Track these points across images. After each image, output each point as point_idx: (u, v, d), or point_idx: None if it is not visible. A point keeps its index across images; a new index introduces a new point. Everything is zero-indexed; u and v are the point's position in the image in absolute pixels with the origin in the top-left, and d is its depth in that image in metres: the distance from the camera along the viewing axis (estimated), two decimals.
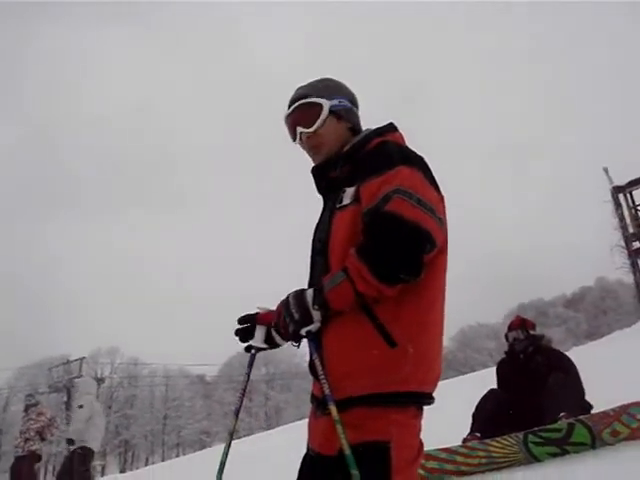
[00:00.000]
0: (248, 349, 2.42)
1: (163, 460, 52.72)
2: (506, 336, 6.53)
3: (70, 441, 9.91)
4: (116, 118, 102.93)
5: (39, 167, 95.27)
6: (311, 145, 2.42)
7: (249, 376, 2.49)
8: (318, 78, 2.50)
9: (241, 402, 2.45)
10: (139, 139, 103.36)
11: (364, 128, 2.46)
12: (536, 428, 5.18)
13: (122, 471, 53.96)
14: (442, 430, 5.56)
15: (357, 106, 2.52)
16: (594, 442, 4.94)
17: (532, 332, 6.39)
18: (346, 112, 2.43)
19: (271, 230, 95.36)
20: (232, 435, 2.40)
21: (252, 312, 2.46)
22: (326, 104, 2.37)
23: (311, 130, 2.38)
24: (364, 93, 2.55)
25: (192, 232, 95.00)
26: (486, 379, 7.20)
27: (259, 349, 2.41)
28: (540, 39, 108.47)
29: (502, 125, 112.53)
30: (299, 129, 2.41)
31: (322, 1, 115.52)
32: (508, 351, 6.47)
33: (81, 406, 10.22)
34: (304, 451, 2.27)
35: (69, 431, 10.23)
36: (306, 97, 2.41)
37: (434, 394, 2.15)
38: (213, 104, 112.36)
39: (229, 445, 2.37)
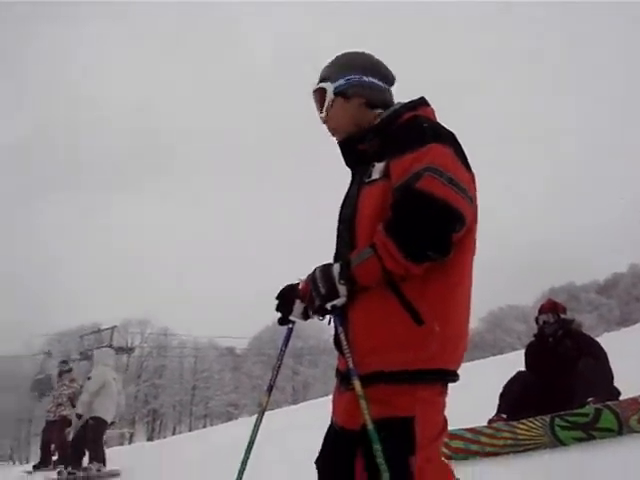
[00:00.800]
0: (285, 322, 2.44)
1: (190, 430, 53.35)
2: (536, 319, 6.45)
3: (78, 416, 10.11)
4: (116, 118, 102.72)
5: (39, 163, 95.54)
6: (328, 128, 2.46)
7: (285, 351, 2.50)
8: (338, 55, 2.50)
9: (275, 378, 2.46)
10: (139, 139, 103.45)
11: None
12: (563, 412, 5.15)
13: (149, 439, 54.71)
14: (468, 410, 5.55)
15: (382, 76, 2.46)
16: (621, 428, 4.90)
17: (563, 316, 6.33)
18: (355, 89, 2.39)
19: (282, 217, 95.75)
20: (264, 412, 2.41)
21: (293, 282, 2.46)
22: (330, 87, 2.40)
23: (322, 115, 2.43)
24: None
25: (203, 224, 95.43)
26: (514, 362, 7.16)
27: (295, 323, 2.43)
28: (540, 39, 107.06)
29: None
30: (318, 114, 2.46)
31: (322, 1, 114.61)
32: (537, 334, 6.40)
33: (89, 378, 10.42)
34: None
35: (77, 404, 10.43)
36: (319, 82, 2.46)
37: (459, 372, 2.16)
38: (213, 104, 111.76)
39: (260, 422, 2.38)
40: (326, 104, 2.40)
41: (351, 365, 2.05)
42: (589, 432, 4.99)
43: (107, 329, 46.32)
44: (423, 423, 1.99)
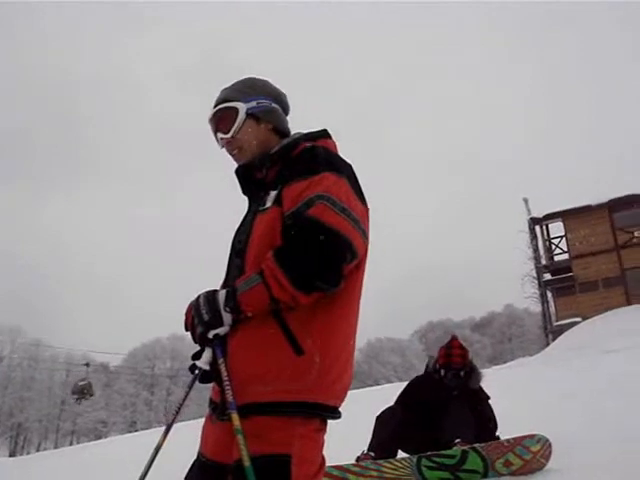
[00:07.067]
0: (192, 369, 2.26)
1: (56, 447, 51.34)
2: (439, 370, 5.85)
3: None
4: None
5: None
6: (231, 150, 2.36)
7: (187, 395, 2.40)
8: (241, 78, 2.44)
9: (174, 419, 2.32)
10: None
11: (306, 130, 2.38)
12: (430, 453, 5.13)
13: (12, 454, 52.37)
14: (338, 444, 5.45)
15: (284, 105, 2.45)
16: (487, 471, 4.98)
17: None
18: (266, 113, 2.36)
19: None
20: (158, 450, 2.27)
21: None
22: (242, 107, 2.32)
23: (228, 136, 2.33)
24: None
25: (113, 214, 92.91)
26: (389, 394, 7.18)
27: (202, 370, 2.22)
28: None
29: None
30: (219, 135, 2.36)
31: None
32: (434, 378, 5.88)
33: None
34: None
35: None
36: (224, 102, 2.36)
37: (341, 409, 2.10)
38: None
39: (153, 460, 2.26)
40: (236, 124, 2.30)
41: (230, 398, 1.96)
42: (455, 473, 5.04)
43: None
44: (300, 461, 1.92)
